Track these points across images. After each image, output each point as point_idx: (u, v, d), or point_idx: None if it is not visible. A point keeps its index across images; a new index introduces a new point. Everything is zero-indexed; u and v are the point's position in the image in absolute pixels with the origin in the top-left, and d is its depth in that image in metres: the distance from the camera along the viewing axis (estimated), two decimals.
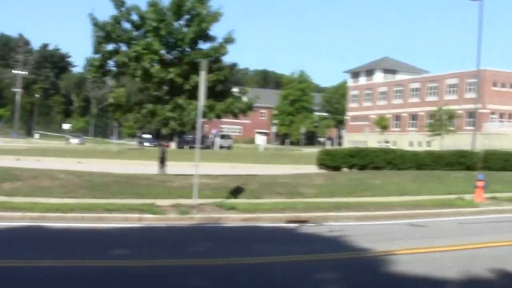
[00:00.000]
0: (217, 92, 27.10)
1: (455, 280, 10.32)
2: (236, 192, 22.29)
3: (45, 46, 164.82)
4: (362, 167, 32.83)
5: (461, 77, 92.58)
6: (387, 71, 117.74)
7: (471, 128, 58.57)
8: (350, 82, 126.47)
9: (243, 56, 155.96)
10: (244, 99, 29.06)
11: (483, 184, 23.53)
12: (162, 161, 28.48)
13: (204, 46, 27.53)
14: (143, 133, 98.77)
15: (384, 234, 15.90)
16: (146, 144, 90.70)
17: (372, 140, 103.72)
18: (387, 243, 14.05)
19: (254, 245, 13.61)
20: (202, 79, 19.29)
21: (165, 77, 26.06)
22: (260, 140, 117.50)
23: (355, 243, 13.78)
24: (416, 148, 73.81)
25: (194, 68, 24.64)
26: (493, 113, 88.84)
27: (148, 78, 26.44)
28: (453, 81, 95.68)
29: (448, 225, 18.01)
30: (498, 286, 10.20)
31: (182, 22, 26.94)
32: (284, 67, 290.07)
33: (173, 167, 30.61)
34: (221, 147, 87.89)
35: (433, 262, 11.97)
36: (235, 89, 29.20)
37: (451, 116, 78.02)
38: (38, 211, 16.46)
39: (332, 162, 32.90)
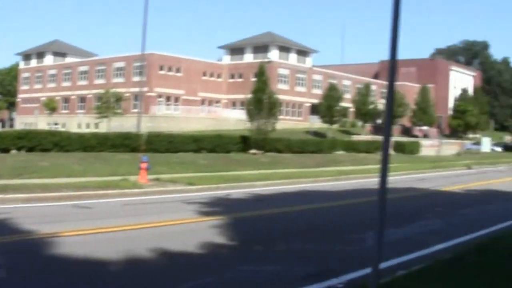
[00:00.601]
0: None
1: (116, 260, 10.55)
2: None
3: None
4: (31, 149, 32.31)
5: (128, 60, 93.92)
6: (57, 54, 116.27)
7: (139, 110, 59.80)
8: (22, 65, 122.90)
9: None
10: None
11: (146, 166, 24.24)
12: None
13: None
14: None
15: (50, 216, 15.76)
16: None
17: (43, 122, 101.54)
18: (52, 225, 13.95)
19: None
20: None
21: None
22: None
23: (21, 225, 13.47)
24: (84, 130, 73.61)
25: None
26: (160, 96, 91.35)
27: None
28: (121, 64, 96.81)
29: (112, 206, 18.30)
30: (156, 264, 10.55)
31: None
32: None
33: None
34: None
35: (96, 243, 12.15)
36: None
37: (119, 98, 78.86)
38: None
39: (1, 144, 31.92)
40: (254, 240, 13.43)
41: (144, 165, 24.20)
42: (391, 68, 7.28)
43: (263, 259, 11.41)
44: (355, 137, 76.14)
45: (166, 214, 17.00)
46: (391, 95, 7.44)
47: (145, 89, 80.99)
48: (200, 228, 14.64)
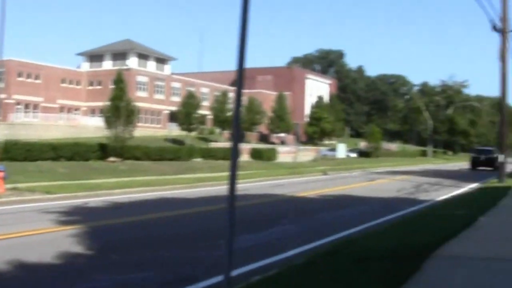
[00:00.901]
0: None
1: None
2: None
3: None
4: None
5: None
6: None
7: None
8: None
9: None
10: None
11: (3, 175, 23.49)
12: None
13: None
14: None
15: None
16: None
17: None
18: None
19: None
20: None
21: None
22: None
23: None
24: None
25: None
26: (18, 103, 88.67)
27: None
28: None
29: None
30: (11, 277, 10.16)
31: None
32: None
33: None
34: None
35: None
36: None
37: None
38: None
39: None
40: (111, 248, 13.17)
41: (0, 174, 23.44)
42: (239, 76, 7.43)
43: (119, 268, 11.18)
44: (213, 144, 76.44)
45: (23, 224, 16.44)
46: (239, 102, 7.59)
47: (3, 96, 78.38)
48: (57, 238, 14.23)
